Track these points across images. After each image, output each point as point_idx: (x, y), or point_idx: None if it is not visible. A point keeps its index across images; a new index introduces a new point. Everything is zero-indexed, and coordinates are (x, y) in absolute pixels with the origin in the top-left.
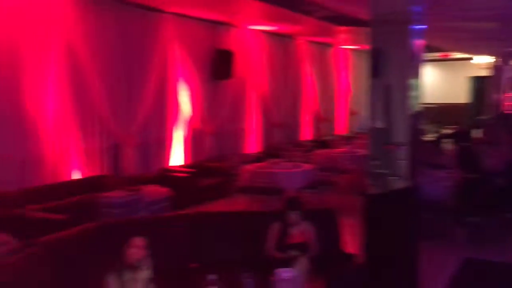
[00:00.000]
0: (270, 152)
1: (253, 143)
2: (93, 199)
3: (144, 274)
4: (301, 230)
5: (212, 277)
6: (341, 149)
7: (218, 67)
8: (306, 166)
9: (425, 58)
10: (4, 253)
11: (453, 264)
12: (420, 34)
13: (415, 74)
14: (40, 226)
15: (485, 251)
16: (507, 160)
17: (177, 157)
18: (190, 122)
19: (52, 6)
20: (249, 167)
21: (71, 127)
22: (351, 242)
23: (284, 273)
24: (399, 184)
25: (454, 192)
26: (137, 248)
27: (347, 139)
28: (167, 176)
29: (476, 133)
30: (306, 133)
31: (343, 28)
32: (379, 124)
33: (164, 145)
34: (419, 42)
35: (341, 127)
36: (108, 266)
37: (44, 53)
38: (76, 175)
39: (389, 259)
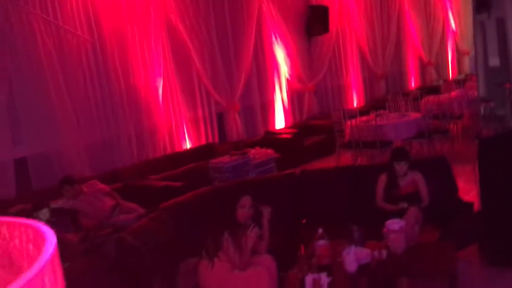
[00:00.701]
0: (374, 105)
1: (355, 97)
2: (205, 165)
3: (254, 231)
4: (410, 181)
5: (321, 230)
6: (451, 94)
7: (312, 23)
8: (414, 115)
9: None
10: (133, 219)
11: None
12: None
13: None
14: (161, 193)
15: None
16: None
17: (280, 119)
18: (290, 82)
19: None
20: (353, 121)
21: (178, 100)
22: (468, 190)
23: (395, 224)
24: None
25: None
26: (245, 207)
27: (457, 83)
28: (272, 138)
29: None
30: (413, 81)
31: None
32: (492, 62)
33: (266, 108)
34: None
35: (451, 71)
36: (222, 225)
37: (147, 32)
38: (187, 145)
39: (508, 206)
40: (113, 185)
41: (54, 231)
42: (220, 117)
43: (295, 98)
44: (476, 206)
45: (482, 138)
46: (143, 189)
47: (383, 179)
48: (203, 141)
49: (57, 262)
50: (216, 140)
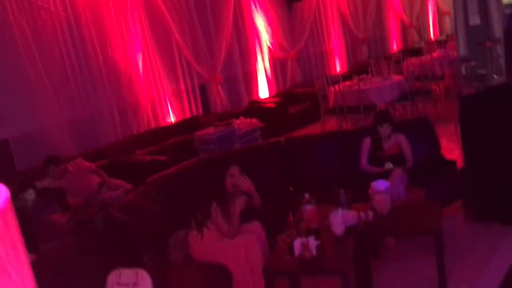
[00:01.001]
0: (357, 70)
1: (338, 63)
2: (190, 138)
3: (242, 199)
4: (394, 143)
5: (308, 195)
6: (433, 55)
7: None
8: (396, 78)
9: None
10: (120, 195)
11: None
12: None
13: None
14: (148, 168)
15: None
16: None
17: (264, 88)
18: (272, 51)
19: None
20: (336, 87)
21: (159, 74)
22: (451, 149)
23: (380, 185)
24: (497, 82)
25: None
26: (234, 176)
27: (439, 44)
28: (256, 108)
29: None
30: (395, 44)
31: None
32: (472, 21)
33: (249, 78)
34: None
35: (432, 32)
36: (210, 195)
37: (123, 5)
38: (171, 119)
39: (491, 162)
40: (98, 163)
41: (41, 213)
42: (203, 90)
43: (277, 67)
44: (459, 164)
45: (463, 97)
46: (129, 165)
47: (367, 142)
48: (187, 115)
49: (11, 216)
50: (200, 112)
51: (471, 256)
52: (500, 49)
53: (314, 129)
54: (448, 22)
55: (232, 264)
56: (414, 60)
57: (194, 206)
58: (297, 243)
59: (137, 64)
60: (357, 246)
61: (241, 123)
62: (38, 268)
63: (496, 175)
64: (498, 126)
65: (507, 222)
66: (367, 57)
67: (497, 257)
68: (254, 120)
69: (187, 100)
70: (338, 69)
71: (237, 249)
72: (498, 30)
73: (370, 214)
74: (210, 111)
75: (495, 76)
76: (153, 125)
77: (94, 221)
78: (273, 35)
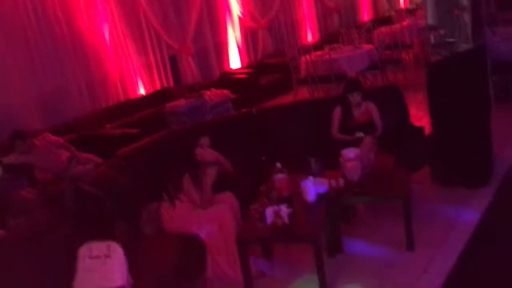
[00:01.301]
0: (329, 39)
1: (309, 33)
2: (161, 110)
3: (213, 170)
4: (364, 111)
5: (279, 164)
6: (402, 24)
7: None
8: (367, 47)
9: None
10: (91, 169)
11: None
12: None
13: None
14: (118, 142)
15: None
16: None
17: (235, 59)
18: (243, 21)
19: None
20: (308, 57)
21: (127, 45)
22: (420, 117)
23: (350, 152)
24: (463, 48)
25: None
26: (202, 147)
27: (409, 12)
28: (228, 79)
29: None
30: (366, 13)
31: None
32: None
33: (220, 49)
34: None
35: (402, 1)
36: (182, 167)
37: None
38: (141, 92)
39: (457, 128)
40: (67, 137)
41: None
42: (174, 61)
43: (249, 37)
44: (428, 130)
45: (430, 64)
46: (99, 139)
47: (338, 111)
48: (158, 87)
49: None
50: (171, 84)
51: (438, 220)
52: (467, 17)
53: (286, 99)
54: None
55: (205, 234)
56: (384, 29)
57: (166, 178)
58: (269, 211)
59: (104, 36)
60: (329, 213)
61: (212, 94)
62: (7, 244)
63: (461, 141)
64: (463, 92)
65: (471, 186)
66: (338, 26)
67: (461, 220)
68: (225, 91)
69: (157, 72)
70: (309, 38)
71: (210, 219)
72: None
73: (341, 181)
74: (181, 83)
75: (463, 44)
76: (122, 98)
77: (64, 195)
78: (243, 4)
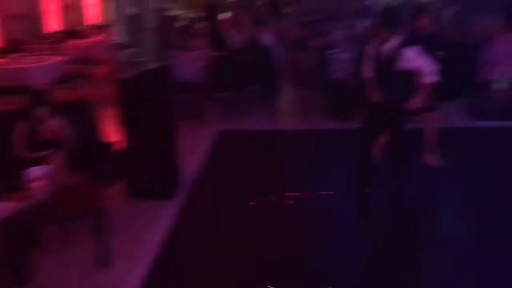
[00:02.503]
0: (11, 47)
1: None
2: None
3: None
4: (52, 126)
5: None
6: (94, 39)
7: None
8: (54, 59)
9: None
10: None
11: (210, 137)
12: None
13: None
14: None
15: (238, 123)
16: (248, 38)
17: None
18: None
19: None
20: None
21: None
22: (113, 132)
23: (37, 171)
24: (151, 66)
25: (206, 71)
26: None
27: (101, 28)
28: None
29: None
30: (53, 24)
31: None
32: (130, 10)
33: None
34: None
35: (94, 16)
36: None
37: None
38: None
39: (148, 142)
40: None
41: None
42: None
43: None
44: (121, 145)
45: (121, 81)
46: None
47: (22, 126)
48: None
49: None
50: None
51: (130, 233)
52: (153, 39)
53: None
54: (111, 8)
55: None
56: (74, 42)
57: None
58: None
59: None
60: (14, 239)
61: None
62: None
63: (150, 154)
64: (151, 108)
65: (160, 198)
66: (24, 35)
67: (150, 231)
68: None
69: None
70: None
71: None
72: (151, 21)
73: (28, 202)
74: None
75: (151, 63)
76: None
77: None
78: None
